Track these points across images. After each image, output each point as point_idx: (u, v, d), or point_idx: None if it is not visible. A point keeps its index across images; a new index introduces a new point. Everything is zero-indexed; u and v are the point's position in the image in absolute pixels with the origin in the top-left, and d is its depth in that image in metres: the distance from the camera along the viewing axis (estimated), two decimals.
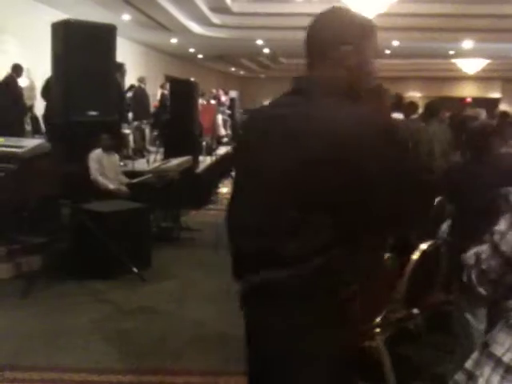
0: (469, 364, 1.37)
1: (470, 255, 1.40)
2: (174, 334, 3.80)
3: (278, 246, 1.44)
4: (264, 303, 1.49)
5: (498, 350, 1.30)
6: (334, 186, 1.38)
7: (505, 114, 8.10)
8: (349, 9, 1.59)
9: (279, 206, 1.44)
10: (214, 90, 16.22)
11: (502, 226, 1.32)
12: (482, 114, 6.88)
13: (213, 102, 14.58)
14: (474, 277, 1.37)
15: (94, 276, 4.77)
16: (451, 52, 16.41)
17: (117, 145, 6.53)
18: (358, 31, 1.50)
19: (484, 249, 1.35)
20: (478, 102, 18.46)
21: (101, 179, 6.03)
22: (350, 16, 1.54)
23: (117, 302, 4.41)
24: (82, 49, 4.54)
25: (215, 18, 12.64)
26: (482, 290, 1.36)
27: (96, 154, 6.13)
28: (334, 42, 1.49)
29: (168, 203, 6.37)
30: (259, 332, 1.54)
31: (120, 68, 8.56)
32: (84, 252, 4.84)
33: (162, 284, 4.87)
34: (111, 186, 6.05)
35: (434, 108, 5.91)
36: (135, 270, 4.85)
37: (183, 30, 12.79)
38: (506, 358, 1.28)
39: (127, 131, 9.33)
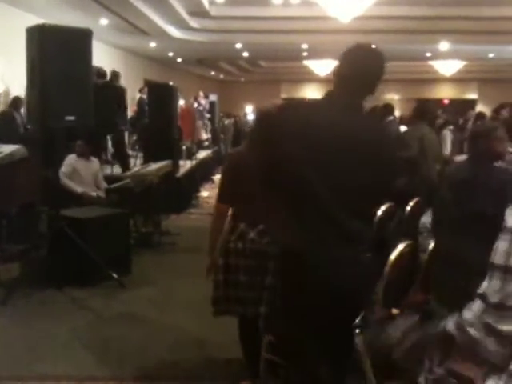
0: None
1: (470, 308, 1.35)
2: (154, 341, 3.78)
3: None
4: None
5: None
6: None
7: (480, 114, 8.22)
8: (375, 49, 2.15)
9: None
10: (201, 94, 16.15)
11: (501, 246, 1.30)
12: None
13: (195, 105, 14.55)
14: (489, 320, 1.32)
15: (73, 283, 4.72)
16: (428, 54, 16.59)
17: (94, 150, 6.47)
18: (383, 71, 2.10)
19: (488, 285, 1.31)
20: (455, 103, 18.71)
21: (67, 182, 5.96)
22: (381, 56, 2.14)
23: (97, 309, 4.37)
24: (57, 53, 4.51)
25: (194, 22, 12.62)
26: (507, 327, 1.30)
27: (69, 158, 6.09)
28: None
29: (147, 208, 6.34)
30: None
31: (102, 74, 8.49)
32: (63, 259, 4.78)
33: (142, 290, 4.84)
34: (79, 190, 5.97)
35: (423, 110, 5.81)
36: (115, 276, 4.81)
37: (162, 34, 12.74)
38: None
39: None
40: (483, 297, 1.35)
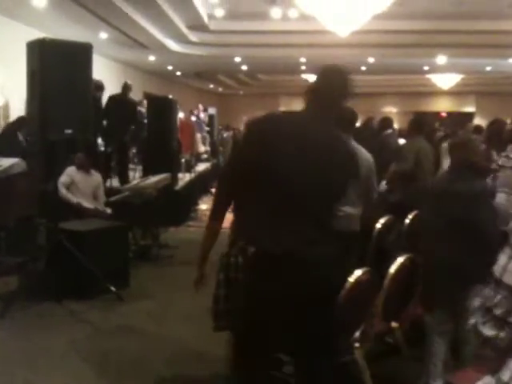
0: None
1: (474, 300, 1.41)
2: (153, 354, 3.76)
3: None
4: None
5: None
6: None
7: (478, 128, 8.25)
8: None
9: None
10: (201, 106, 16.22)
11: (501, 260, 1.33)
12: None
13: (193, 118, 14.59)
14: (478, 319, 1.37)
15: (71, 296, 4.70)
16: (426, 68, 16.71)
17: (94, 163, 6.48)
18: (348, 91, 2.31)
19: (488, 290, 1.36)
20: (453, 116, 18.80)
21: (64, 192, 5.95)
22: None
23: (95, 322, 4.35)
24: (57, 67, 4.53)
25: (193, 36, 12.71)
26: (487, 332, 1.36)
27: (69, 169, 6.09)
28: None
29: (146, 221, 6.34)
30: None
31: (100, 86, 8.51)
32: (61, 272, 4.76)
33: (140, 303, 4.82)
34: (74, 200, 5.96)
35: (419, 123, 5.82)
36: (113, 289, 4.80)
37: (161, 48, 12.82)
38: None
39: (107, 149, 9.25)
40: (481, 298, 1.39)
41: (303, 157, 2.16)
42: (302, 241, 2.13)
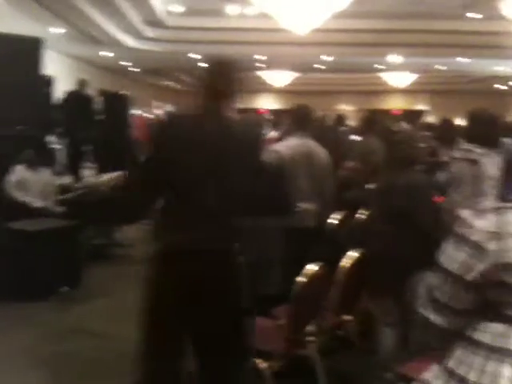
0: None
1: (421, 289, 1.42)
2: (107, 354, 3.69)
3: None
4: None
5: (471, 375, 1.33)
6: None
7: (430, 125, 8.45)
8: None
9: None
10: (154, 103, 16.05)
11: (446, 249, 1.35)
12: (405, 126, 7.09)
13: (150, 116, 14.42)
14: (426, 309, 1.38)
15: (23, 298, 4.55)
16: (381, 66, 16.99)
17: (45, 160, 6.30)
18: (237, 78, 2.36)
19: (433, 279, 1.38)
20: (407, 114, 19.20)
21: (13, 192, 5.78)
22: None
23: (48, 323, 4.25)
24: (6, 62, 4.41)
25: (149, 32, 12.55)
26: (436, 319, 1.38)
27: (18, 168, 5.90)
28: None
29: (100, 219, 6.21)
30: None
31: (49, 82, 8.31)
32: (12, 273, 4.64)
33: (94, 303, 4.73)
34: (22, 199, 5.80)
35: (371, 121, 5.92)
36: (66, 289, 4.70)
37: (116, 44, 12.62)
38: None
39: (58, 146, 9.05)
40: (426, 287, 1.42)
41: (199, 155, 2.18)
42: (199, 238, 2.15)
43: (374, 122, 5.90)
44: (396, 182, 3.11)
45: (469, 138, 3.87)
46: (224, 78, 2.31)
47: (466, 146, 3.90)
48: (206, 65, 2.41)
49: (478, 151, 3.74)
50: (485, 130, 3.75)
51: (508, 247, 1.28)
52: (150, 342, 2.29)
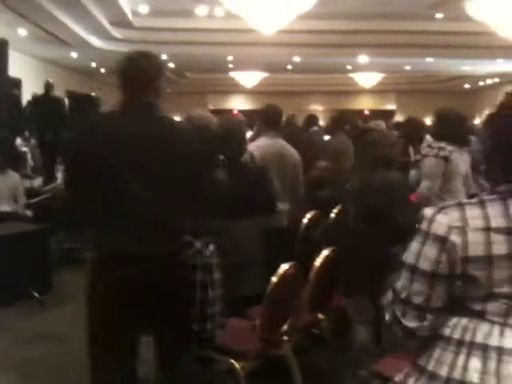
0: None
1: (386, 295, 1.41)
2: (75, 359, 3.61)
3: None
4: None
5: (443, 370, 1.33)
6: None
7: (398, 124, 8.57)
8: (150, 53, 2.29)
9: None
10: None
11: (414, 247, 1.36)
12: (381, 125, 7.19)
13: None
14: (397, 312, 1.38)
15: None
16: (349, 67, 17.14)
17: (10, 163, 6.17)
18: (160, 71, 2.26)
19: (399, 281, 1.38)
20: (375, 114, 19.41)
21: None
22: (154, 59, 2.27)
23: (16, 329, 4.17)
24: None
25: (116, 32, 12.40)
26: (409, 323, 1.37)
27: None
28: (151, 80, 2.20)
29: (68, 223, 6.10)
30: None
31: (17, 83, 8.17)
32: None
33: (63, 308, 4.65)
34: None
35: (340, 121, 6.00)
36: (35, 294, 4.61)
37: (83, 44, 12.42)
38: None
39: (25, 149, 8.88)
40: (394, 290, 1.41)
41: (119, 157, 2.11)
42: (135, 240, 2.11)
43: (342, 121, 5.98)
44: (372, 182, 3.13)
45: (438, 136, 3.94)
46: (141, 72, 2.21)
47: (435, 143, 3.96)
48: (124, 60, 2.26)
49: (448, 148, 3.81)
50: (453, 129, 3.81)
51: (472, 241, 1.30)
52: (98, 345, 2.26)
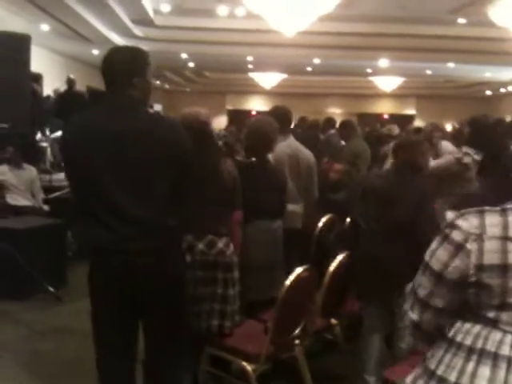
0: None
1: (408, 289, 1.44)
2: (89, 354, 3.65)
3: None
4: None
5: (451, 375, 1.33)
6: None
7: (418, 129, 8.48)
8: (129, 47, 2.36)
9: None
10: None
11: (432, 245, 1.38)
12: (395, 129, 7.15)
13: None
14: (409, 304, 1.40)
15: (5, 296, 4.52)
16: (369, 70, 17.06)
17: (31, 158, 6.24)
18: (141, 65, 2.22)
19: (418, 277, 1.40)
20: (395, 118, 19.28)
21: None
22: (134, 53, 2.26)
23: (30, 322, 4.21)
24: None
25: (137, 30, 12.48)
26: (412, 315, 1.39)
27: (0, 168, 5.83)
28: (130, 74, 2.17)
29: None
30: None
31: (37, 78, 8.25)
32: None
33: (78, 302, 4.66)
34: (9, 201, 5.74)
35: (352, 125, 6.03)
36: (51, 289, 4.65)
37: (105, 42, 12.51)
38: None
39: (44, 144, 8.96)
40: (414, 291, 1.44)
41: (100, 155, 2.10)
42: (122, 237, 2.15)
43: (352, 127, 5.99)
44: (403, 192, 3.01)
45: (469, 143, 3.90)
46: (116, 66, 2.21)
47: (464, 149, 3.93)
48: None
49: (475, 157, 3.77)
50: (487, 137, 3.77)
51: (488, 249, 1.29)
52: (100, 331, 2.40)
